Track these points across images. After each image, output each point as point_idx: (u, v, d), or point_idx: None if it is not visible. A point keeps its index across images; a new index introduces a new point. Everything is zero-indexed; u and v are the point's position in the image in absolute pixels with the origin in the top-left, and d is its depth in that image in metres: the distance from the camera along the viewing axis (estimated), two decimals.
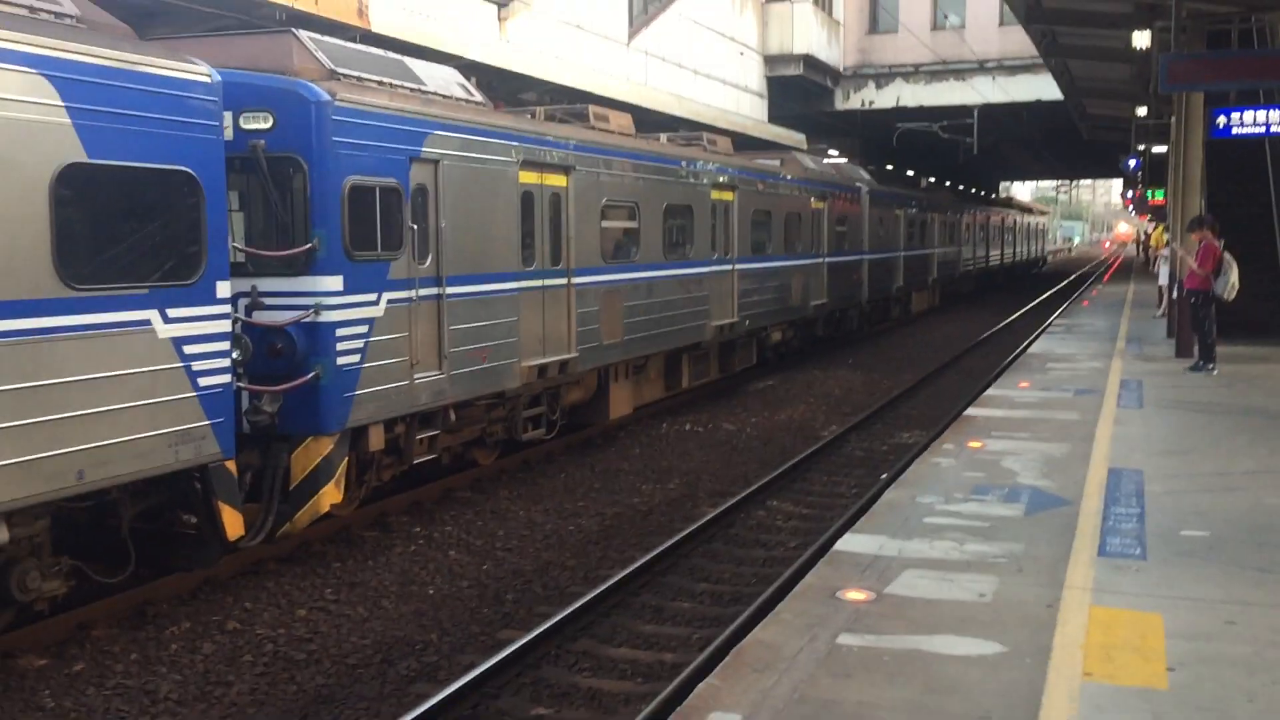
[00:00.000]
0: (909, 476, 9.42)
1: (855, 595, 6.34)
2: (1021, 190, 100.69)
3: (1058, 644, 5.58)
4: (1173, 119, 24.83)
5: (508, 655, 7.40)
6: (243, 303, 8.93)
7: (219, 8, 13.25)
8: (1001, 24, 38.74)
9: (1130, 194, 64.10)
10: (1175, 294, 18.31)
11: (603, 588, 8.74)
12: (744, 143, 23.97)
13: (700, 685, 5.19)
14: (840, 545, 7.41)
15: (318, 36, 10.28)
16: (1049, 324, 27.06)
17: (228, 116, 8.53)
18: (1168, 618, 5.91)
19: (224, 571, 9.13)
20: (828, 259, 24.20)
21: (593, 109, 15.05)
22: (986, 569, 6.82)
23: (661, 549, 9.82)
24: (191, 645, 7.90)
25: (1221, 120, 16.21)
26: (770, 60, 37.49)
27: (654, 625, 8.45)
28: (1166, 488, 8.77)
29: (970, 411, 12.73)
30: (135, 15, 11.25)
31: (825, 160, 28.62)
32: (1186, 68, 14.38)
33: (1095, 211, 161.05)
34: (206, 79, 7.83)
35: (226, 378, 8.10)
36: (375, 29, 15.36)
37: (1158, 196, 42.87)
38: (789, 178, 21.89)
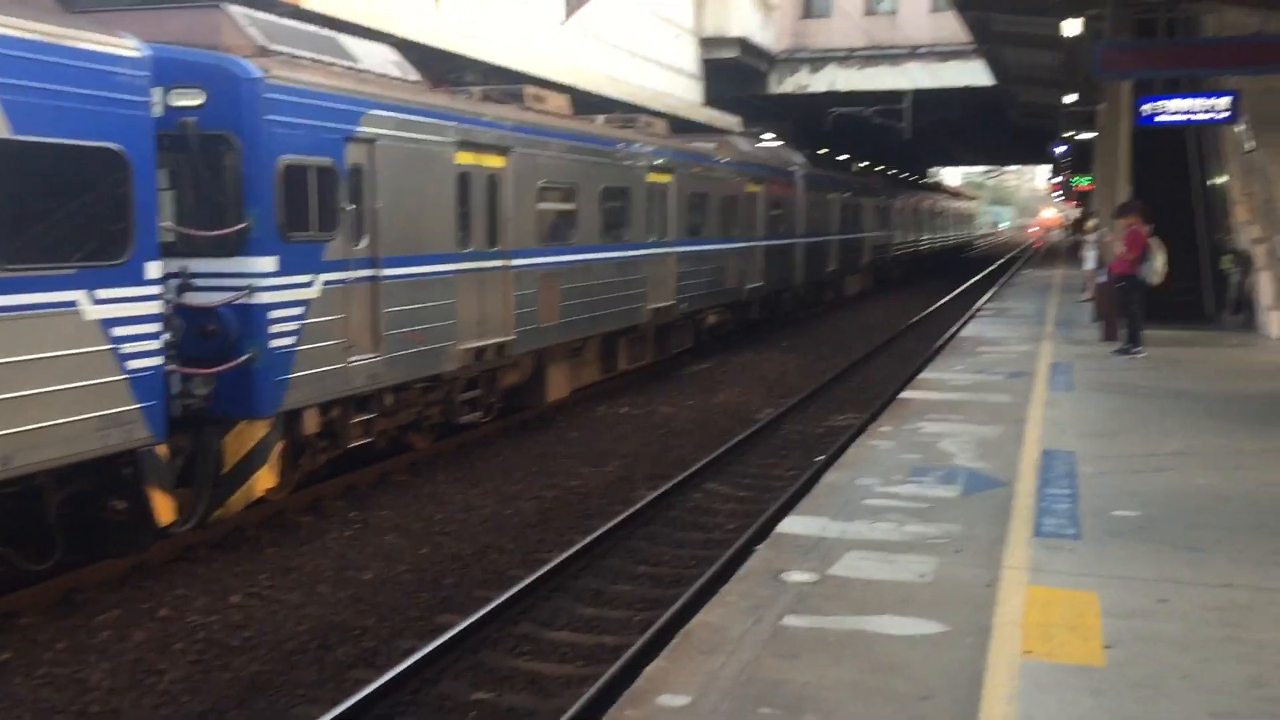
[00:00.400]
0: (848, 459, 9.50)
1: (799, 576, 6.38)
2: (951, 175, 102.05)
3: (997, 623, 5.66)
4: (1100, 106, 25.35)
5: (447, 640, 7.35)
6: (174, 284, 8.71)
7: None
8: (934, 10, 39.19)
9: (1058, 180, 65.35)
10: (1103, 278, 18.68)
11: (542, 571, 8.73)
12: (679, 125, 23.95)
13: (648, 667, 5.19)
14: (782, 527, 7.46)
15: (249, 11, 10.04)
16: (979, 308, 27.47)
17: (157, 93, 8.29)
18: (1103, 596, 6.03)
19: (154, 558, 8.93)
20: (763, 242, 24.32)
21: (529, 90, 14.92)
22: (926, 550, 6.90)
23: (600, 532, 9.82)
24: (122, 633, 7.72)
25: (1147, 108, 16.57)
26: (706, 43, 37.53)
27: (594, 608, 8.45)
28: (1098, 469, 8.94)
29: (906, 394, 12.87)
30: None
31: (760, 144, 28.72)
32: (1119, 56, 14.68)
33: (1021, 197, 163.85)
34: (135, 54, 7.61)
35: (157, 360, 7.91)
36: (305, 5, 15.05)
37: (1083, 182, 43.78)
38: (725, 161, 21.94)
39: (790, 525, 7.48)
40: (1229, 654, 5.29)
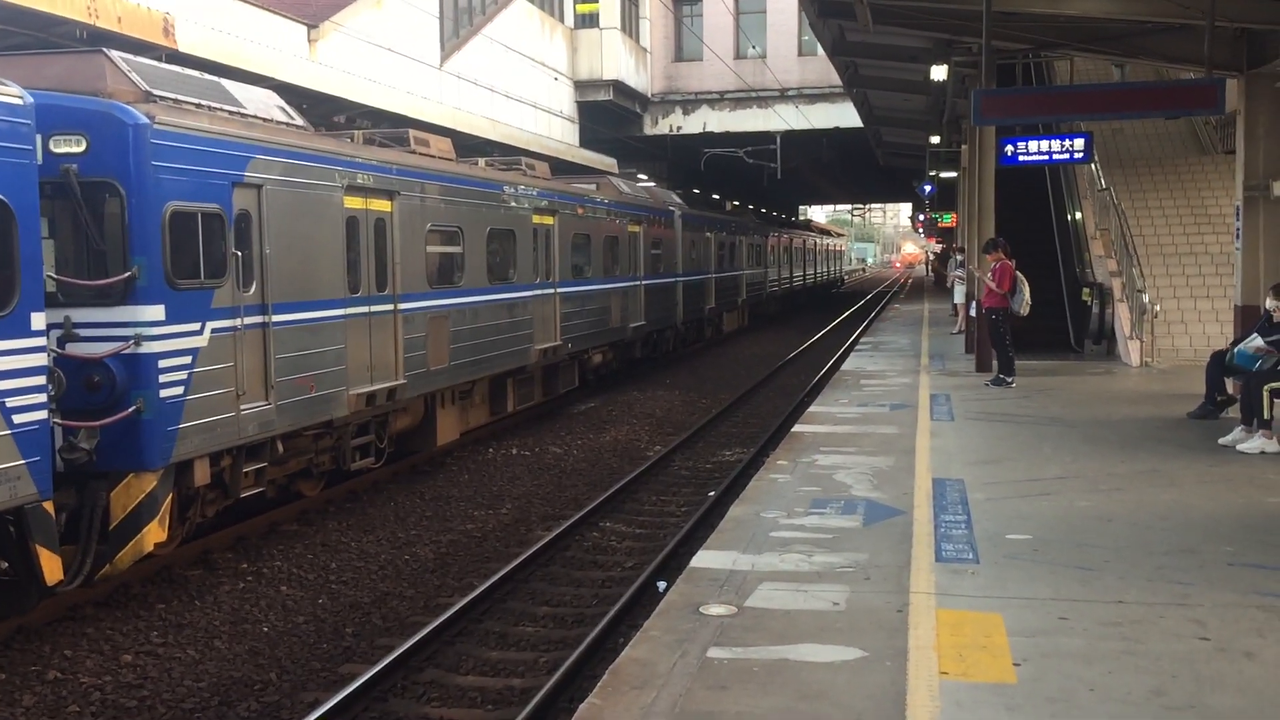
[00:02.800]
0: (750, 493, 9.65)
1: (717, 610, 6.45)
2: (817, 213, 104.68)
3: (912, 646, 5.83)
4: (964, 147, 26.43)
5: (353, 690, 7.25)
6: (55, 334, 8.40)
7: (12, 25, 12.46)
8: (801, 54, 40.40)
9: (920, 217, 67.63)
10: (973, 311, 19.41)
11: (445, 616, 8.68)
12: (558, 167, 24.13)
13: (582, 705, 5.19)
14: (695, 562, 7.54)
15: (131, 57, 9.82)
16: (854, 342, 28.20)
17: (37, 140, 8.03)
18: (1007, 617, 6.25)
19: (38, 619, 8.58)
20: (644, 281, 24.58)
21: (413, 133, 14.86)
22: (836, 579, 7.06)
23: (500, 575, 9.80)
24: (10, 697, 7.40)
25: (1010, 149, 17.32)
26: (581, 85, 37.96)
27: (499, 651, 8.43)
28: (987, 495, 9.27)
29: (798, 428, 13.14)
30: None
31: (638, 184, 29.08)
32: (996, 103, 15.39)
33: (885, 233, 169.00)
34: (18, 101, 7.38)
35: (42, 414, 7.62)
36: (182, 48, 14.76)
37: (946, 220, 45.43)
38: (606, 202, 22.16)
39: (703, 559, 7.57)
40: (1129, 666, 5.55)
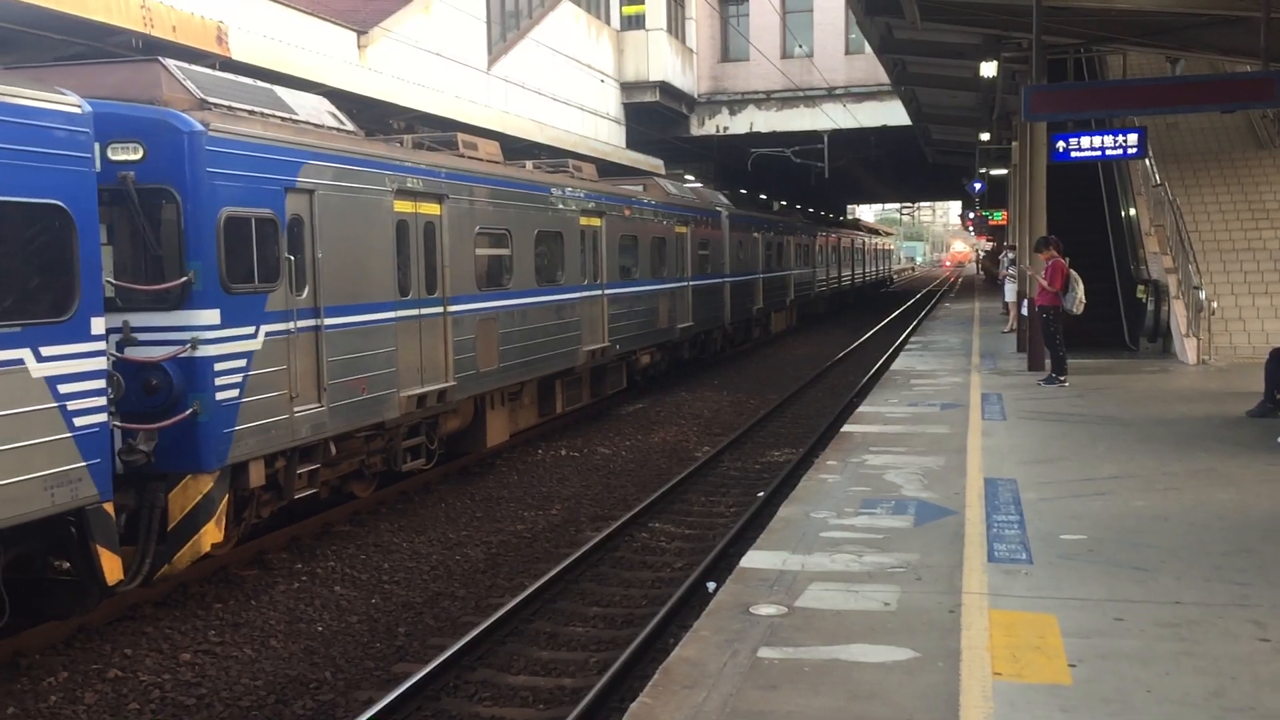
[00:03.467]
0: (800, 493, 9.62)
1: (767, 610, 6.46)
2: (865, 212, 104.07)
3: (965, 647, 5.79)
4: (1014, 144, 26.14)
5: (407, 689, 7.32)
6: (114, 338, 8.59)
7: (70, 35, 12.70)
8: (848, 53, 40.17)
9: (970, 215, 66.93)
10: (1025, 310, 19.20)
11: (496, 616, 8.73)
12: (604, 168, 24.19)
13: (633, 704, 5.22)
14: (745, 562, 7.54)
15: (186, 65, 9.99)
16: (904, 341, 28.00)
17: (95, 148, 8.20)
18: (1061, 618, 6.19)
19: (99, 619, 8.75)
20: (692, 282, 24.57)
21: (462, 137, 14.98)
22: (887, 579, 7.03)
23: (550, 575, 9.84)
24: (72, 695, 7.55)
25: (1061, 145, 17.12)
26: (627, 87, 38.02)
27: (550, 651, 8.46)
28: (1040, 495, 9.18)
29: (847, 428, 13.08)
30: None
31: (685, 185, 29.07)
32: (1047, 98, 15.23)
33: (935, 232, 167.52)
34: (78, 110, 7.54)
35: (103, 417, 7.78)
36: (235, 56, 14.97)
37: (996, 217, 44.96)
38: (653, 203, 22.18)
39: (753, 560, 7.57)
40: (1187, 667, 5.48)
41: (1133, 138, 17.06)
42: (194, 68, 10.14)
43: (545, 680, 7.84)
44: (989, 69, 20.91)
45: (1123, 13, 15.60)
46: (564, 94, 33.30)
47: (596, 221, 18.70)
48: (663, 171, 32.76)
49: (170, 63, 9.70)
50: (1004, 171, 34.60)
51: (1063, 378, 16.07)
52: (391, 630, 8.94)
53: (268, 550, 10.84)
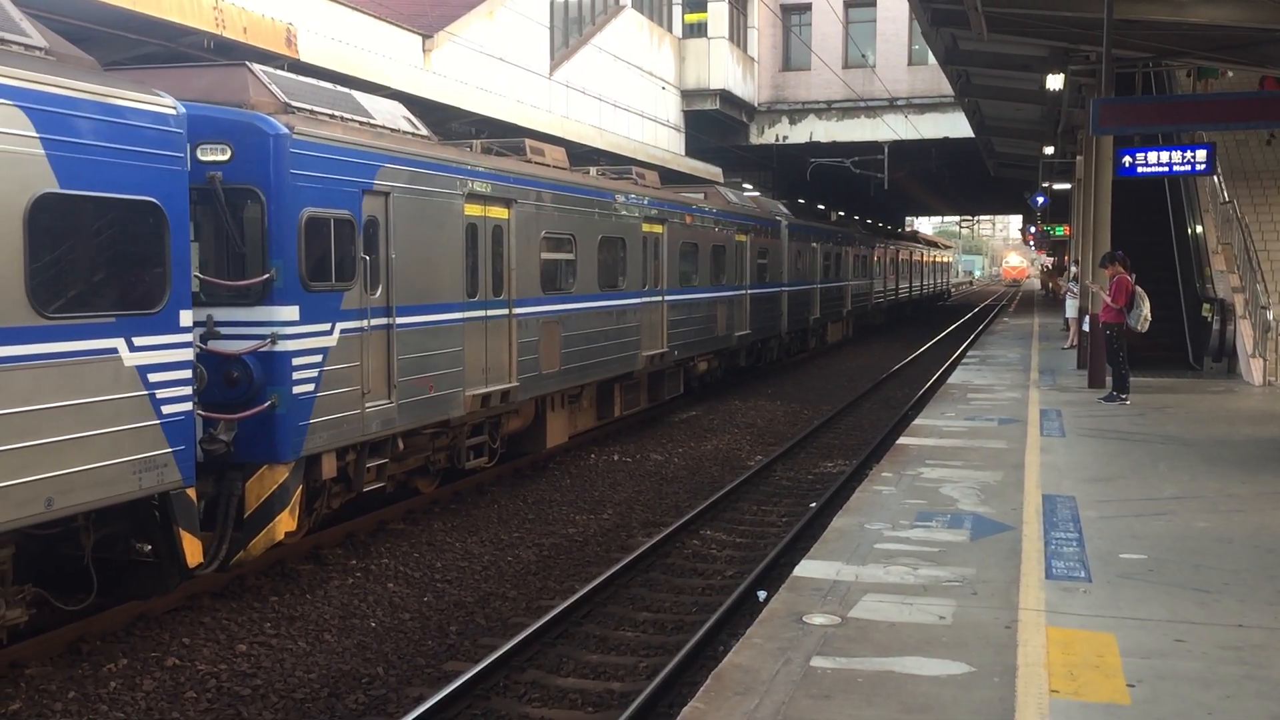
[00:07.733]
0: (854, 504, 9.68)
1: (821, 620, 6.54)
2: (924, 225, 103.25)
3: (1021, 663, 5.85)
4: (1079, 158, 25.94)
5: (457, 687, 7.41)
6: (198, 331, 8.88)
7: (144, 35, 13.03)
8: (910, 64, 39.99)
9: (1032, 229, 66.11)
10: (1086, 326, 19.06)
11: (547, 618, 8.80)
12: (663, 175, 24.36)
13: (684, 709, 5.33)
14: (798, 571, 7.62)
15: (271, 70, 10.30)
16: (962, 355, 27.84)
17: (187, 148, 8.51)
18: (1120, 637, 6.22)
19: (157, 608, 8.96)
20: (750, 291, 24.66)
21: (529, 143, 15.22)
22: (942, 592, 7.09)
23: (601, 579, 9.90)
24: (131, 682, 7.74)
25: (1127, 160, 17.00)
26: (687, 95, 38.13)
27: (600, 654, 8.52)
28: (1100, 513, 9.17)
29: (903, 440, 13.11)
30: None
31: (745, 194, 29.16)
32: (1115, 112, 15.12)
33: (994, 246, 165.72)
34: (173, 111, 7.84)
35: (188, 405, 8.07)
36: (303, 58, 15.28)
37: (1058, 232, 44.51)
38: (713, 211, 22.31)
39: (806, 569, 7.65)
40: (1249, 691, 5.49)
41: (1201, 153, 16.91)
42: (279, 73, 10.46)
43: (594, 683, 7.91)
44: (1055, 82, 20.77)
45: (1194, 26, 15.43)
46: (624, 100, 33.50)
47: (659, 228, 18.87)
48: (721, 180, 32.88)
49: (257, 67, 10.02)
50: (1067, 186, 34.28)
51: (1124, 396, 15.94)
52: (443, 628, 9.07)
53: (323, 546, 11.03)
